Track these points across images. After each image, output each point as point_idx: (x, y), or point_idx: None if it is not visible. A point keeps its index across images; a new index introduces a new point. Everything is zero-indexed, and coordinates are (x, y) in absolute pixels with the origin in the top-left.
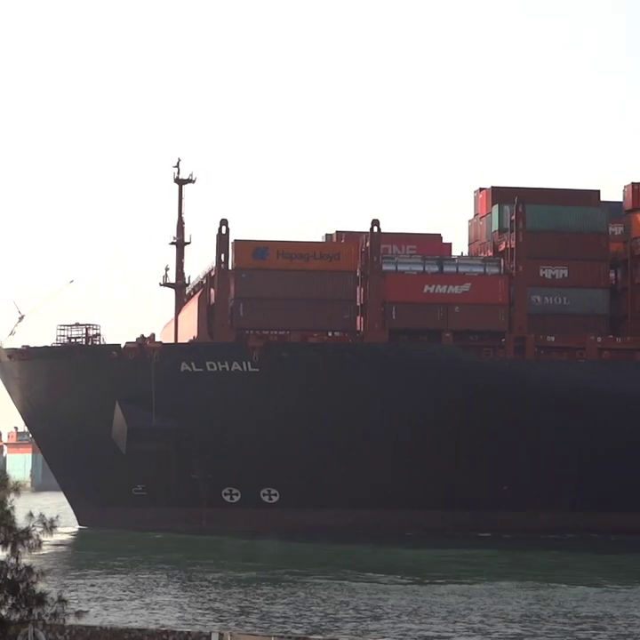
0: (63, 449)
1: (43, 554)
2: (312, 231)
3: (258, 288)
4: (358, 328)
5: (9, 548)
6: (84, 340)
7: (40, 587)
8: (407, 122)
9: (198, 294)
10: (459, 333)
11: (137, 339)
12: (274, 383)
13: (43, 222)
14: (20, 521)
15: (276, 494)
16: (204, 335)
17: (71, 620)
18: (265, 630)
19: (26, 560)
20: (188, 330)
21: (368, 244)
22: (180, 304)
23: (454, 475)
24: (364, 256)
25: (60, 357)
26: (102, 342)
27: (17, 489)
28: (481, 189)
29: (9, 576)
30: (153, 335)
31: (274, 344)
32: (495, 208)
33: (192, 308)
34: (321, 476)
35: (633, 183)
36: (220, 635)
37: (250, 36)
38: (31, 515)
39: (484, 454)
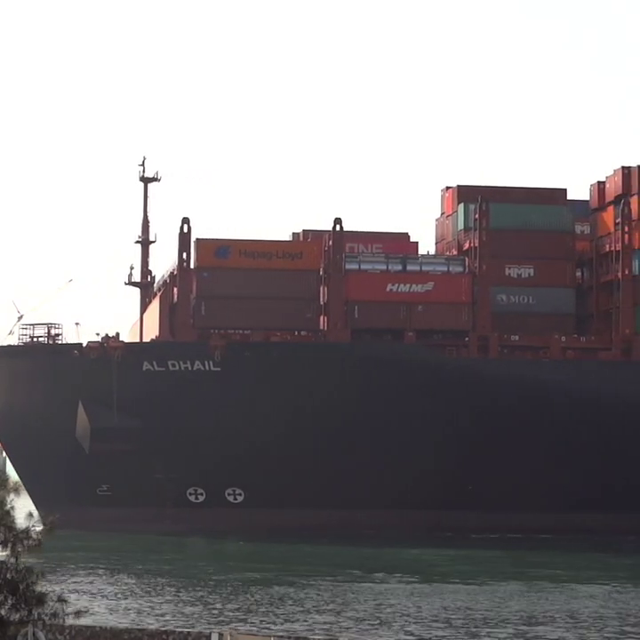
0: (27, 449)
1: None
2: (281, 230)
3: (220, 287)
4: (322, 327)
5: (9, 548)
6: (46, 339)
7: (40, 587)
8: (379, 119)
9: (160, 293)
10: (422, 332)
11: (102, 338)
12: (236, 383)
13: (38, 221)
14: (20, 521)
15: (240, 494)
16: (165, 334)
17: (71, 620)
18: (265, 630)
19: (26, 560)
20: (152, 329)
21: (331, 242)
22: (145, 303)
23: (420, 474)
24: (327, 255)
25: (22, 357)
26: (64, 341)
27: (17, 489)
28: (447, 188)
29: (9, 576)
30: (117, 334)
31: (236, 343)
32: (461, 207)
33: (155, 308)
34: (286, 476)
35: (598, 182)
36: (220, 635)
37: (214, 34)
38: (31, 515)
39: (448, 453)
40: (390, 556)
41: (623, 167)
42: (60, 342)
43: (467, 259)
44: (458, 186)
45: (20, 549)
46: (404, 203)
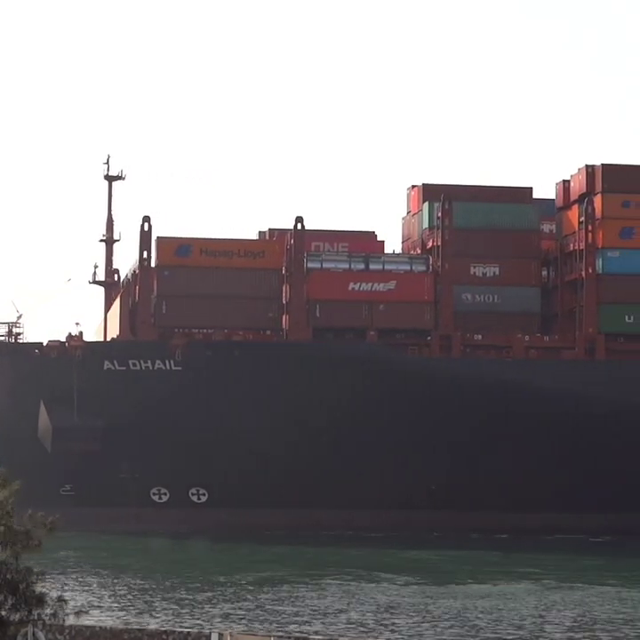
0: None
1: None
2: (249, 229)
3: (181, 286)
4: (284, 326)
5: (9, 548)
6: (7, 337)
7: (40, 587)
8: (350, 117)
9: (121, 292)
10: (384, 331)
11: (66, 337)
12: (198, 382)
13: (34, 220)
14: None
15: (204, 494)
16: (126, 333)
17: (71, 620)
18: (265, 630)
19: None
20: (114, 328)
21: (292, 241)
22: (109, 302)
23: (382, 473)
24: (289, 253)
25: None
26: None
27: (18, 489)
28: (413, 186)
29: (9, 576)
30: (80, 333)
31: (197, 342)
32: (426, 205)
33: (117, 307)
34: (249, 476)
35: (564, 180)
36: (220, 635)
37: (175, 31)
38: (31, 515)
39: (410, 453)
40: (390, 558)
41: (587, 166)
42: (21, 341)
43: (430, 257)
44: (423, 184)
45: (19, 549)
46: (373, 201)
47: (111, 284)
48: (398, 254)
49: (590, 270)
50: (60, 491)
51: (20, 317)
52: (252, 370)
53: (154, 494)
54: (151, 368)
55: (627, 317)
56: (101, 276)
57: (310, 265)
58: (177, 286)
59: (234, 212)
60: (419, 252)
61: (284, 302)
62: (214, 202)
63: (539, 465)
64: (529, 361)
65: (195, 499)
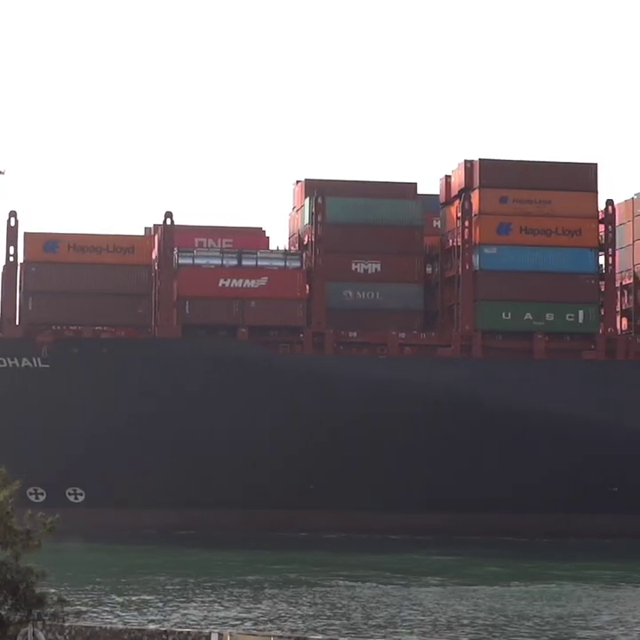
0: None
1: None
2: (137, 225)
3: (48, 282)
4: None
5: (9, 548)
6: None
7: (40, 587)
8: (240, 109)
9: None
10: (255, 329)
11: None
12: (65, 380)
13: None
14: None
15: (81, 494)
16: None
17: (71, 621)
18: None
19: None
20: None
21: (163, 236)
22: None
23: (256, 473)
24: (160, 249)
25: None
26: None
27: (18, 490)
28: (297, 182)
29: (9, 576)
30: None
31: (63, 339)
32: (307, 201)
33: None
34: (123, 475)
35: (446, 176)
36: (220, 635)
37: (53, 20)
38: (31, 515)
39: (283, 452)
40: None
41: (466, 161)
42: None
43: (305, 254)
44: (305, 179)
45: (19, 549)
46: (264, 197)
47: None
48: (272, 250)
49: (467, 266)
50: None
51: None
52: (120, 367)
53: (30, 494)
54: (18, 366)
55: (504, 314)
56: None
57: (181, 261)
58: (44, 282)
59: (121, 209)
60: (297, 248)
61: (155, 299)
62: (100, 197)
63: (409, 463)
64: (402, 359)
65: (72, 499)
